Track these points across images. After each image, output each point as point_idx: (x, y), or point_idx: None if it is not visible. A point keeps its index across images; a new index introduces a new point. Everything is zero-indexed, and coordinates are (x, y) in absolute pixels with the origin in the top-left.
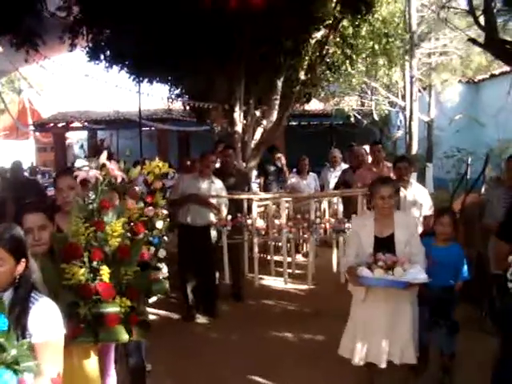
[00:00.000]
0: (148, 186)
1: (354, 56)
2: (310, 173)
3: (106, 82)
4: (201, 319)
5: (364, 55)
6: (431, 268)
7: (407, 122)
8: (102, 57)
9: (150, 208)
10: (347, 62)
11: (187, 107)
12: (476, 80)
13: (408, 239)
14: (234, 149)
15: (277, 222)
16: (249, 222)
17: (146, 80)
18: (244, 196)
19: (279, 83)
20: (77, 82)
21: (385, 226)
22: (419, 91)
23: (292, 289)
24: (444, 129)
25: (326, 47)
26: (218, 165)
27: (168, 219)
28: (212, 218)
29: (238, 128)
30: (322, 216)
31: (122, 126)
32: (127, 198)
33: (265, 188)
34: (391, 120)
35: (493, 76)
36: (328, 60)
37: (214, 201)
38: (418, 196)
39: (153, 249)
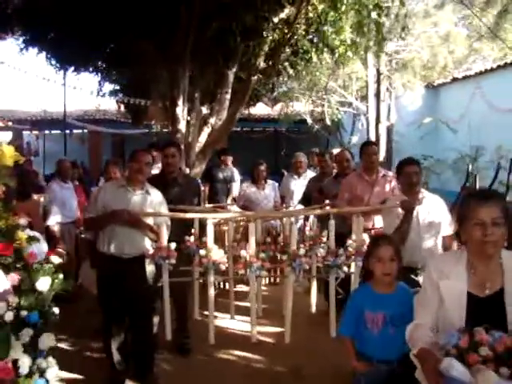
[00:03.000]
0: None
1: (321, 44)
2: (269, 181)
3: (25, 72)
4: None
5: (334, 43)
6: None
7: (369, 126)
8: (10, 35)
9: None
10: (313, 50)
11: (122, 106)
12: (436, 84)
13: None
14: (179, 147)
15: (243, 253)
16: (201, 252)
17: (71, 69)
18: (194, 215)
19: (231, 74)
20: (4, 78)
21: (487, 276)
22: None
23: (261, 334)
24: (404, 134)
25: (293, 29)
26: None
27: None
28: (147, 245)
29: (181, 126)
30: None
31: (49, 127)
32: None
33: (210, 198)
34: (343, 125)
35: (455, 80)
36: (292, 46)
37: (149, 220)
38: (435, 211)
39: None
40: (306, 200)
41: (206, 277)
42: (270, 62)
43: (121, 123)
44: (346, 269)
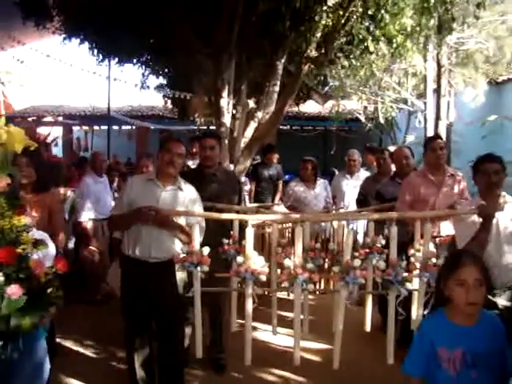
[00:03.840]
0: None
1: (378, 32)
2: (320, 179)
3: (70, 65)
4: None
5: (392, 32)
6: None
7: (426, 124)
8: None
9: None
10: (369, 38)
11: (168, 102)
12: (500, 80)
13: None
14: (219, 138)
15: (288, 262)
16: (239, 259)
17: (115, 61)
18: (232, 216)
19: (280, 64)
20: (53, 73)
21: None
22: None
23: (305, 350)
24: (463, 134)
25: (348, 13)
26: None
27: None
28: (178, 249)
29: (226, 120)
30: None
31: (98, 123)
32: None
33: (256, 197)
34: (397, 123)
35: None
36: (347, 33)
37: (181, 220)
38: None
39: None
40: (362, 203)
41: (244, 288)
42: (323, 50)
43: (168, 119)
44: (409, 285)
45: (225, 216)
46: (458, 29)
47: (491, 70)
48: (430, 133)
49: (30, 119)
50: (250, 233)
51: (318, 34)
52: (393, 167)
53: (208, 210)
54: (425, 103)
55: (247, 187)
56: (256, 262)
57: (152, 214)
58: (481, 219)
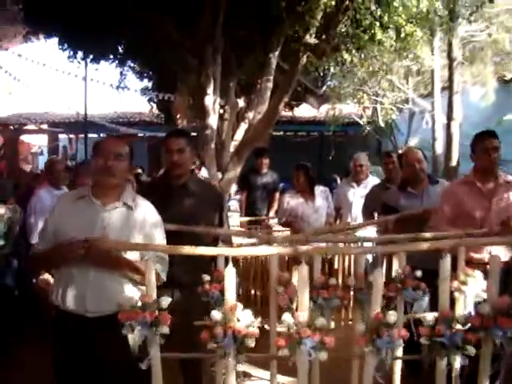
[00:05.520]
0: None
1: (386, 18)
2: (319, 187)
3: (43, 65)
4: None
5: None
6: None
7: (434, 125)
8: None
9: None
10: (377, 24)
11: (154, 106)
12: (509, 78)
13: None
14: (189, 138)
15: (288, 318)
16: (215, 315)
17: (90, 59)
18: (206, 251)
19: (273, 58)
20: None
21: None
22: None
23: None
24: (469, 136)
25: None
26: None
27: None
28: (131, 293)
29: (212, 121)
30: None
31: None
32: None
33: (248, 209)
34: (397, 126)
35: None
36: (351, 17)
37: (133, 255)
38: None
39: None
40: (366, 216)
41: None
42: (324, 37)
43: (156, 125)
44: (472, 350)
45: (196, 251)
46: (466, 22)
47: (501, 67)
48: (439, 135)
49: (11, 127)
50: (231, 274)
51: (319, 16)
52: None
53: (176, 236)
54: (432, 102)
55: (238, 196)
56: (241, 319)
57: (81, 251)
58: None
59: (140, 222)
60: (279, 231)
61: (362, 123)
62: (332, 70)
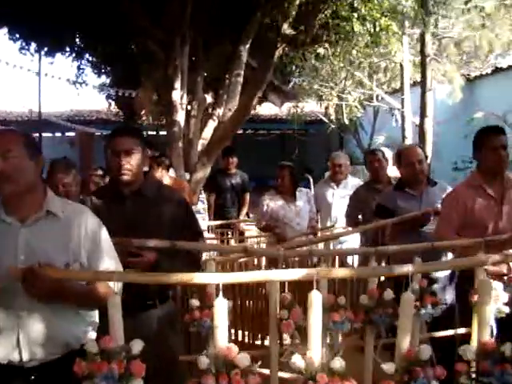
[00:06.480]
0: None
1: (364, 9)
2: (301, 189)
3: None
4: None
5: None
6: None
7: (404, 123)
8: None
9: None
10: (355, 16)
11: (112, 103)
12: (473, 76)
13: None
14: (140, 136)
15: (298, 361)
16: (203, 361)
17: (45, 50)
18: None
19: (244, 51)
20: None
21: None
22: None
23: None
24: (439, 134)
25: None
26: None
27: None
28: (82, 327)
29: (179, 117)
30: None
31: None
32: None
33: (217, 212)
34: (361, 124)
35: (497, 70)
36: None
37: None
38: None
39: None
40: (352, 219)
41: None
42: (302, 27)
43: (116, 123)
44: None
45: (183, 277)
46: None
47: (466, 65)
48: (409, 133)
49: None
50: (221, 307)
51: (297, 3)
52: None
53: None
54: (402, 99)
55: (202, 205)
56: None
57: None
58: None
59: (73, 234)
60: (252, 237)
61: (326, 121)
62: (298, 65)
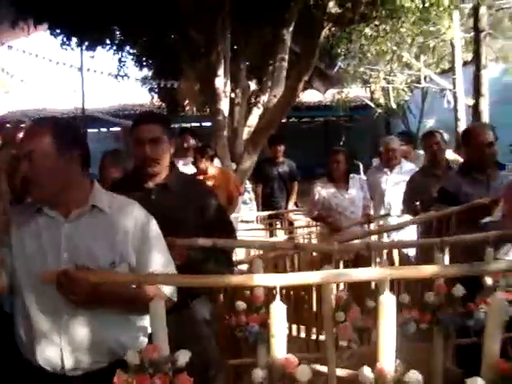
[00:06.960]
0: None
1: None
2: (353, 176)
3: (36, 56)
4: None
5: None
6: None
7: (457, 105)
8: None
9: None
10: None
11: (155, 96)
12: None
13: None
14: (166, 124)
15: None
16: (258, 375)
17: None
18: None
19: (287, 34)
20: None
21: None
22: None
23: None
24: (490, 114)
25: None
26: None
27: None
28: (131, 333)
29: (223, 106)
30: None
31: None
32: None
33: (265, 202)
34: (409, 107)
35: None
36: None
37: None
38: None
39: None
40: (410, 207)
41: None
42: (349, 4)
43: None
44: None
45: (224, 280)
46: None
47: None
48: (462, 115)
49: (8, 125)
50: (279, 312)
51: None
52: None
53: None
54: (453, 79)
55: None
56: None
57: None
58: None
59: (121, 229)
60: (302, 227)
61: (372, 105)
62: (343, 48)
